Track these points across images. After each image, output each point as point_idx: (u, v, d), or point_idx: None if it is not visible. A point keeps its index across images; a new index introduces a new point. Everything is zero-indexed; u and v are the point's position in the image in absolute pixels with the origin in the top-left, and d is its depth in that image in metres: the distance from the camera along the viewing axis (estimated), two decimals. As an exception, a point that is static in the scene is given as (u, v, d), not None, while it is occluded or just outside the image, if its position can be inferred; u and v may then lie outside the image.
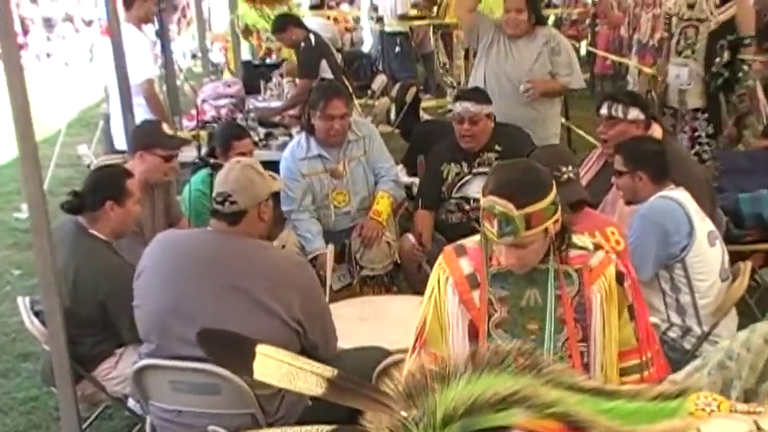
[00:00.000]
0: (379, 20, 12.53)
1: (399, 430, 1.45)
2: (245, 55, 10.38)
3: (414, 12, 12.54)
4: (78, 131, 10.69)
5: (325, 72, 7.32)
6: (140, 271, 3.27)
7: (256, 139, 6.31)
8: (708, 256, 3.76)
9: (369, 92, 8.93)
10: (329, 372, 1.54)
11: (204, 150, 5.12)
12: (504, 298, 2.63)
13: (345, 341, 3.49)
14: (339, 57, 9.02)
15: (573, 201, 3.47)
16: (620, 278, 2.64)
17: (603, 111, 4.44)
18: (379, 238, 4.89)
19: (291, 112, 7.35)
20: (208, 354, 1.72)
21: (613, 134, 4.38)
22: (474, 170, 4.85)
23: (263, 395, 3.07)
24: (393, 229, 5.15)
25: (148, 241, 3.45)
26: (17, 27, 18.12)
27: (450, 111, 4.89)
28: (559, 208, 2.51)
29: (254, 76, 8.83)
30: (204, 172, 4.76)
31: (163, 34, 7.28)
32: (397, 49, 12.26)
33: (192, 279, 3.13)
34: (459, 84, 11.39)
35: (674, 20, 5.55)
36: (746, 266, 3.85)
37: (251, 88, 8.34)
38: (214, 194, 3.27)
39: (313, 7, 12.81)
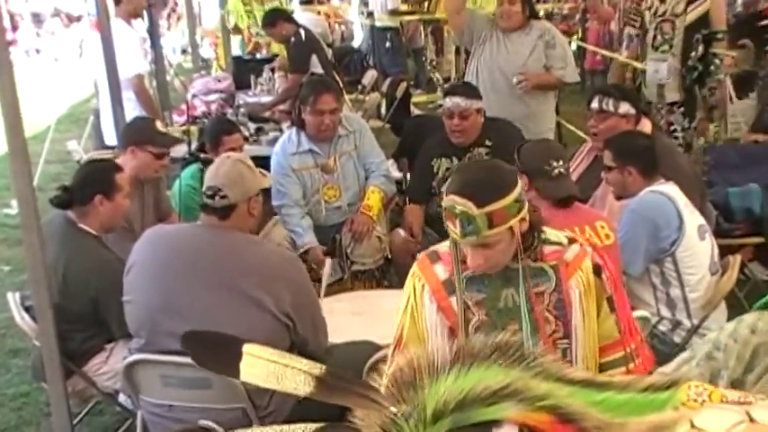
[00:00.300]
0: (370, 15, 12.52)
1: (389, 427, 1.44)
2: (236, 50, 10.37)
3: (404, 7, 12.55)
4: (68, 127, 10.67)
5: (316, 67, 7.31)
6: (130, 266, 3.26)
7: (246, 134, 6.31)
8: (698, 249, 3.77)
9: (359, 87, 8.91)
10: (317, 369, 1.53)
11: (194, 146, 5.11)
12: (481, 301, 2.59)
13: (336, 336, 3.49)
14: (329, 52, 9.02)
15: (563, 196, 3.48)
16: (597, 270, 2.59)
17: (594, 105, 4.45)
18: (370, 233, 4.90)
19: (282, 107, 7.35)
20: (193, 357, 1.69)
21: (604, 128, 4.39)
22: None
23: (253, 389, 3.06)
24: (384, 223, 5.15)
25: (138, 236, 3.45)
26: (6, 23, 18.08)
27: (440, 106, 4.88)
28: (526, 205, 2.47)
29: (245, 71, 8.83)
30: (194, 167, 4.76)
31: (152, 29, 7.28)
32: (388, 44, 12.26)
33: (181, 274, 3.13)
34: (448, 79, 11.40)
35: (648, 15, 5.57)
36: (736, 260, 3.86)
37: (241, 83, 8.34)
38: (204, 188, 3.27)
39: (303, 2, 12.78)
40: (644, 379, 1.58)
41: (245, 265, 3.15)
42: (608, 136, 4.18)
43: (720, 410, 2.11)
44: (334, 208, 4.98)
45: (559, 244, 2.61)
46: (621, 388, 1.55)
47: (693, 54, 5.35)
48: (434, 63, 12.88)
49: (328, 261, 4.61)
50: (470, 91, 4.90)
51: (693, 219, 3.80)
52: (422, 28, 13.16)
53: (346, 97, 6.83)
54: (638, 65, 5.59)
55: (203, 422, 3.05)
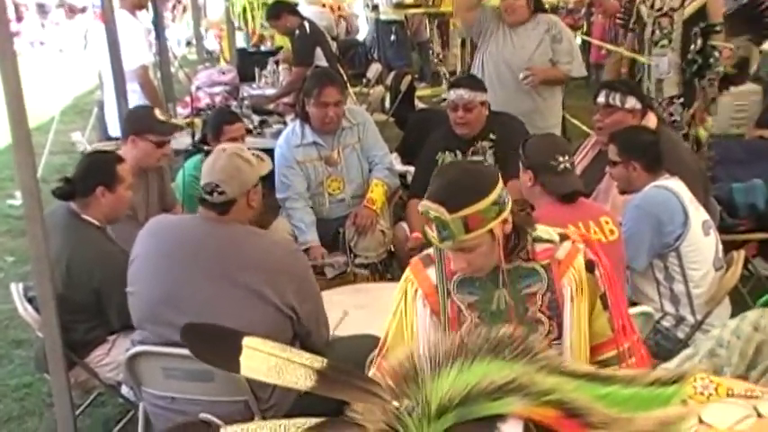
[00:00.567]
0: (375, 8, 12.50)
1: (393, 421, 1.43)
2: (240, 42, 10.36)
3: (409, 0, 12.51)
4: (72, 118, 10.66)
5: (320, 60, 7.30)
6: (133, 257, 3.26)
7: (251, 126, 6.31)
8: (702, 245, 3.76)
9: (364, 80, 8.90)
10: (318, 362, 1.52)
11: (198, 137, 5.11)
12: (473, 303, 2.56)
13: (338, 329, 3.49)
14: (334, 45, 9.00)
15: (569, 191, 3.47)
16: (589, 267, 2.55)
17: (601, 99, 4.44)
18: (374, 227, 4.90)
19: (286, 99, 7.34)
20: (192, 350, 1.68)
21: (609, 122, 4.38)
22: (468, 158, 4.83)
23: (256, 382, 3.06)
24: (387, 217, 5.15)
25: (142, 226, 3.44)
26: (11, 13, 18.07)
27: (444, 99, 4.87)
28: (507, 207, 2.43)
29: (249, 63, 8.82)
30: (197, 157, 4.75)
31: (157, 21, 7.26)
32: (393, 37, 12.23)
33: (184, 266, 3.12)
34: (454, 73, 11.37)
35: (644, 10, 5.55)
36: (740, 256, 3.85)
37: (246, 76, 8.33)
38: (202, 184, 3.23)
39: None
40: (650, 373, 1.57)
41: (247, 258, 3.14)
42: (613, 130, 4.17)
43: (727, 405, 2.10)
44: (338, 201, 4.98)
45: (551, 242, 2.57)
46: (627, 382, 1.54)
47: (692, 47, 5.33)
48: (441, 57, 12.84)
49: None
50: (475, 83, 4.88)
51: (698, 214, 3.79)
52: (427, 21, 13.12)
53: (350, 90, 6.84)
54: (642, 59, 5.56)
55: (204, 416, 3.05)
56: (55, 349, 3.43)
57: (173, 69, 7.98)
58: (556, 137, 4.30)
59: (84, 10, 19.42)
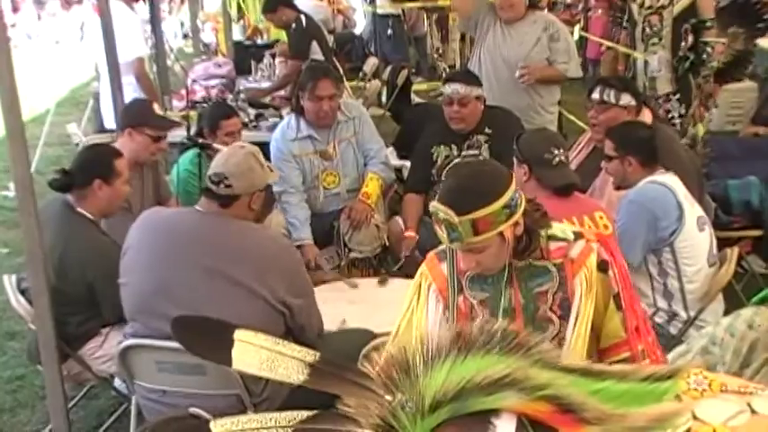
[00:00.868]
0: (372, 2, 12.48)
1: (387, 416, 1.42)
2: (237, 35, 10.34)
3: (407, -6, 12.49)
4: (68, 110, 10.65)
5: (316, 54, 7.28)
6: (126, 248, 3.26)
7: (246, 120, 6.30)
8: (696, 241, 3.76)
9: (360, 74, 8.89)
10: (311, 356, 1.51)
11: (193, 130, 5.10)
12: (484, 300, 2.56)
13: (333, 324, 3.49)
14: (331, 39, 8.98)
15: (564, 184, 3.46)
16: (602, 266, 2.52)
17: (595, 95, 4.43)
18: (368, 221, 4.89)
19: (282, 93, 7.33)
20: (182, 344, 1.66)
21: (604, 119, 4.37)
22: (463, 152, 4.82)
23: (248, 376, 3.05)
24: (382, 211, 5.14)
25: (137, 219, 3.43)
26: (7, 5, 18.02)
27: (441, 94, 4.86)
28: (519, 210, 2.41)
29: (246, 56, 8.80)
30: (192, 152, 4.74)
31: (153, 14, 7.25)
32: (389, 31, 12.22)
33: (178, 259, 3.12)
34: (453, 67, 11.36)
35: (635, 8, 5.55)
36: (733, 252, 3.85)
37: (242, 69, 8.32)
38: (210, 173, 3.25)
39: (306, -12, 12.73)
40: (644, 368, 1.57)
41: (240, 252, 3.14)
42: (608, 127, 4.17)
43: (721, 401, 2.11)
44: (333, 194, 4.97)
45: (565, 240, 2.54)
46: (621, 377, 1.53)
47: (683, 44, 5.34)
48: (440, 52, 12.81)
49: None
50: (470, 78, 4.88)
51: (693, 210, 3.79)
52: (425, 15, 13.10)
53: (347, 84, 6.81)
54: (638, 54, 5.56)
55: (193, 409, 3.04)
56: (48, 341, 3.43)
57: (169, 62, 7.96)
58: (550, 131, 4.31)
59: (80, 1, 19.34)
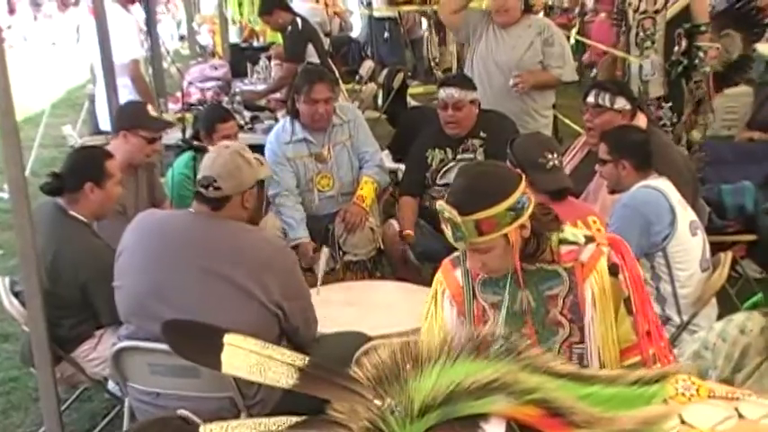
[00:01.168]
0: (369, 5, 12.48)
1: (376, 420, 1.42)
2: (233, 38, 10.35)
3: (403, -3, 12.48)
4: (64, 112, 10.64)
5: (312, 56, 7.29)
6: (121, 251, 3.25)
7: (242, 122, 6.30)
8: (689, 245, 3.76)
9: (356, 77, 8.89)
10: (300, 360, 1.51)
11: (189, 133, 5.10)
12: (496, 303, 2.58)
13: (328, 326, 3.49)
14: (327, 41, 8.98)
15: (557, 188, 3.47)
16: (613, 270, 2.52)
17: (590, 99, 4.44)
18: (363, 224, 4.89)
19: (277, 95, 7.33)
20: (172, 347, 1.67)
21: (599, 123, 4.38)
22: (458, 156, 4.83)
23: (241, 379, 3.05)
24: (377, 214, 5.14)
25: (130, 221, 3.43)
26: (3, 6, 18.01)
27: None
28: (526, 213, 2.41)
29: (242, 59, 8.80)
30: (188, 155, 4.73)
31: (149, 16, 7.25)
32: (386, 34, 12.21)
33: (172, 261, 3.12)
34: (449, 70, 11.34)
35: (630, 12, 5.56)
36: (727, 257, 3.86)
37: (238, 71, 8.31)
38: (199, 177, 3.24)
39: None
40: (632, 372, 1.57)
41: (234, 254, 3.14)
42: (603, 130, 4.17)
43: (709, 406, 2.11)
44: (328, 197, 4.97)
45: (576, 244, 2.55)
46: (609, 382, 1.54)
47: (677, 48, 5.34)
48: (437, 60, 12.78)
49: (324, 251, 4.60)
50: (465, 82, 4.89)
51: (686, 214, 3.80)
52: (422, 19, 13.10)
53: (343, 87, 6.82)
54: (632, 58, 5.57)
55: (181, 411, 3.03)
56: (41, 344, 3.43)
57: (165, 64, 7.96)
58: (543, 135, 4.31)
59: (76, 3, 19.35)
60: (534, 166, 3.46)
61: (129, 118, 4.40)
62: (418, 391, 1.41)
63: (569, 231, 2.59)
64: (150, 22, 7.27)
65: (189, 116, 5.97)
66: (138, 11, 6.83)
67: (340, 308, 3.97)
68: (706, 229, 4.02)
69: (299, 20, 7.48)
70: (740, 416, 2.06)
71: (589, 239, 2.57)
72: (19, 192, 3.32)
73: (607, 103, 4.36)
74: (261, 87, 7.81)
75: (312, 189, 4.94)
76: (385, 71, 8.00)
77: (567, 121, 7.67)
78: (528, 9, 5.65)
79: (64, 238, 3.61)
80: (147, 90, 6.23)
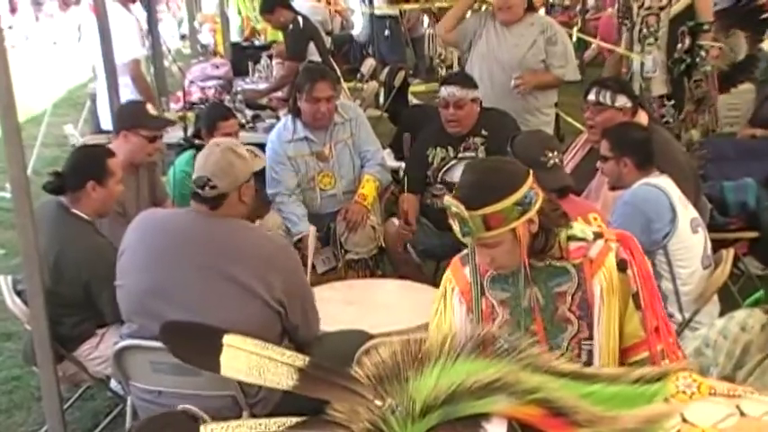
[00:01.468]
0: (370, 3, 12.47)
1: (377, 421, 1.42)
2: (234, 37, 10.34)
3: (404, -5, 12.47)
4: (65, 111, 10.63)
5: (313, 55, 7.29)
6: (123, 250, 3.26)
7: (243, 121, 6.31)
8: (690, 243, 3.76)
9: (358, 75, 8.89)
10: (300, 361, 1.51)
11: (190, 131, 5.10)
12: (505, 300, 2.58)
13: (329, 324, 3.49)
14: (329, 40, 8.96)
15: (557, 187, 3.47)
16: (621, 266, 2.52)
17: (591, 97, 4.44)
18: (364, 222, 4.89)
19: (279, 94, 7.33)
20: (170, 349, 1.66)
21: (600, 120, 4.37)
22: (460, 155, 4.83)
23: (242, 378, 3.05)
24: (378, 213, 5.14)
25: (132, 221, 3.43)
26: (4, 6, 17.99)
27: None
28: (533, 207, 2.42)
29: (243, 57, 8.80)
30: (189, 153, 4.74)
31: (151, 15, 7.24)
32: (387, 32, 12.20)
33: (174, 259, 3.12)
34: (451, 67, 11.32)
35: (635, 8, 5.55)
36: (729, 254, 3.85)
37: (239, 70, 8.31)
38: (194, 178, 3.23)
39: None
40: (634, 371, 1.57)
41: (236, 252, 3.14)
42: (604, 128, 4.17)
43: (710, 403, 2.10)
44: (329, 196, 4.97)
45: (585, 240, 2.55)
46: (611, 380, 1.54)
47: (679, 46, 5.33)
48: (442, 57, 12.74)
49: (311, 239, 4.60)
50: (466, 80, 4.88)
51: (686, 212, 3.79)
52: (425, 17, 13.08)
53: (344, 85, 6.81)
54: (634, 56, 5.55)
55: (184, 406, 3.03)
56: (43, 342, 3.43)
57: (166, 63, 7.96)
58: (544, 133, 4.31)
59: (78, 2, 19.33)
60: (535, 165, 3.42)
61: (129, 118, 4.40)
62: (419, 391, 1.41)
63: (578, 228, 2.59)
64: (151, 21, 7.27)
65: (190, 115, 5.98)
66: (138, 10, 6.83)
67: (341, 306, 3.97)
68: (708, 227, 4.02)
69: (300, 18, 7.48)
70: (742, 413, 2.05)
71: (598, 235, 2.58)
72: (21, 191, 3.32)
73: (608, 101, 4.36)
74: (262, 86, 7.81)
75: (314, 188, 4.93)
76: (386, 69, 8.00)
77: (568, 118, 7.65)
78: (531, 7, 5.63)
79: (67, 237, 3.61)
80: (148, 89, 6.22)
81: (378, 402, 1.42)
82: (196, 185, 3.19)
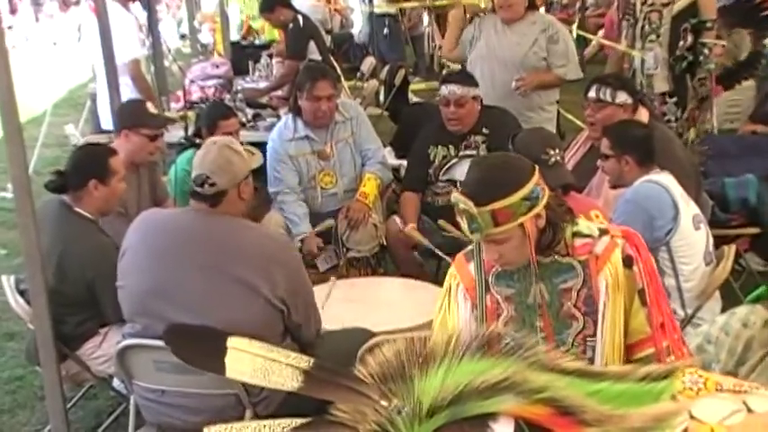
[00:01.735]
0: (370, 1, 12.47)
1: (383, 421, 1.41)
2: (234, 36, 10.33)
3: (403, -7, 12.47)
4: (66, 111, 10.64)
5: (313, 54, 7.28)
6: (124, 250, 3.25)
7: (244, 120, 6.30)
8: (692, 239, 3.76)
9: (358, 74, 8.89)
10: (305, 362, 1.50)
11: (191, 130, 5.09)
12: (510, 296, 2.58)
13: (331, 323, 3.49)
14: (328, 38, 8.96)
15: (559, 185, 3.46)
16: (627, 262, 2.52)
17: (591, 94, 4.43)
18: (366, 220, 4.89)
19: (279, 93, 7.33)
20: (175, 352, 1.66)
21: (601, 117, 4.37)
22: (461, 153, 4.83)
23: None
24: (380, 211, 5.14)
25: (133, 221, 3.43)
26: (5, 6, 17.99)
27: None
28: (541, 203, 2.42)
29: (243, 56, 8.80)
30: (190, 152, 4.73)
31: (150, 15, 7.24)
32: (386, 30, 12.19)
33: (176, 259, 3.12)
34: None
35: (638, 4, 5.55)
36: (730, 250, 3.85)
37: (239, 69, 8.31)
38: (193, 176, 3.24)
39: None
40: (641, 368, 1.57)
41: (238, 250, 3.14)
42: (605, 125, 4.16)
43: (717, 400, 2.10)
44: (330, 194, 4.97)
45: (590, 236, 2.55)
46: (618, 378, 1.53)
47: (682, 43, 5.32)
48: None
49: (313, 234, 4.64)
50: (467, 78, 4.88)
51: (688, 209, 3.79)
52: (426, 15, 13.08)
53: (344, 84, 6.81)
54: (635, 52, 5.55)
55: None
56: (46, 342, 3.43)
57: (166, 62, 7.95)
58: (545, 131, 4.30)
59: (77, 2, 19.33)
60: (536, 163, 3.42)
61: (130, 117, 4.40)
62: (426, 392, 1.40)
63: (583, 224, 2.59)
64: (151, 21, 7.26)
65: (191, 114, 5.98)
66: (138, 10, 6.83)
67: (343, 304, 3.96)
68: (709, 223, 4.02)
69: (300, 17, 7.47)
70: (749, 409, 2.06)
71: (603, 232, 2.58)
72: (22, 191, 3.33)
73: (608, 98, 4.35)
74: (263, 85, 7.81)
75: (315, 186, 4.94)
76: (386, 68, 8.00)
77: (569, 116, 7.66)
78: (532, 5, 5.63)
79: (70, 236, 3.61)
80: (149, 89, 6.23)
81: (383, 403, 1.41)
82: (195, 183, 3.20)
